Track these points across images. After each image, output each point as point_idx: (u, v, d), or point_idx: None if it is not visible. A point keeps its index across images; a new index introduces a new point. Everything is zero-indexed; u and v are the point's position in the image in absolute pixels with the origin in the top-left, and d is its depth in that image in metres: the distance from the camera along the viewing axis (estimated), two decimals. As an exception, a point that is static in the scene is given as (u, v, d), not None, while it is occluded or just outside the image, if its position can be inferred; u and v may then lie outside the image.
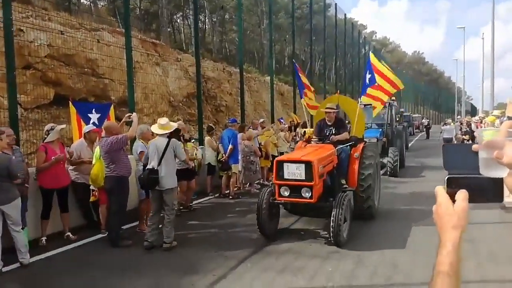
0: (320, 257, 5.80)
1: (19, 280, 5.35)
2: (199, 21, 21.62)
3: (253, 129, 11.44)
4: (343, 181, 7.35)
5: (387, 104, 14.24)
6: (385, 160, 13.19)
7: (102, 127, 7.01)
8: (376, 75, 8.81)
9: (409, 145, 23.09)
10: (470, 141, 14.82)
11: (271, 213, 6.63)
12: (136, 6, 23.93)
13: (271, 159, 11.02)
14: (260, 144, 11.18)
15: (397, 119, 16.52)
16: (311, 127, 10.93)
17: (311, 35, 23.32)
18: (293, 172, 6.22)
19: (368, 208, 7.51)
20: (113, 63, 11.36)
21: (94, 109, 8.13)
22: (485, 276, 5.08)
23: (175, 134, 8.48)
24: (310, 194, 6.12)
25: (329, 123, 7.87)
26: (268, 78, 19.86)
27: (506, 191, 1.15)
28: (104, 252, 6.30)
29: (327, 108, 7.97)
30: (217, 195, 10.35)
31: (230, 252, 5.98)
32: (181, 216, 8.32)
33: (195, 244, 6.63)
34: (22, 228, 5.72)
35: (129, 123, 7.03)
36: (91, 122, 7.80)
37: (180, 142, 7.38)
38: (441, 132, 22.66)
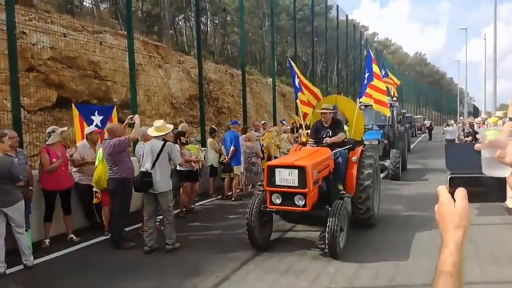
0: (322, 259, 5.79)
1: (22, 282, 5.36)
2: (201, 23, 21.62)
3: (255, 131, 11.46)
4: (341, 187, 6.91)
5: (388, 105, 14.18)
6: (386, 163, 12.92)
7: (105, 129, 7.04)
8: (375, 68, 8.72)
9: (411, 146, 23.04)
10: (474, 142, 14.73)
11: (262, 222, 6.21)
12: (138, 8, 23.95)
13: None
14: (262, 145, 11.19)
15: (399, 120, 16.25)
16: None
17: (313, 36, 23.32)
18: (286, 178, 5.79)
19: (368, 217, 7.09)
20: (116, 65, 11.39)
21: (96, 111, 8.17)
22: (487, 278, 5.06)
23: (180, 136, 8.53)
24: (303, 202, 5.72)
25: (325, 125, 7.42)
26: (270, 80, 19.88)
27: (509, 192, 1.15)
28: (107, 254, 6.32)
29: (323, 108, 7.51)
30: (220, 197, 10.36)
31: (232, 253, 5.97)
32: (184, 218, 8.34)
33: (198, 246, 6.64)
34: (26, 230, 5.74)
35: (131, 125, 7.05)
36: (94, 124, 7.83)
37: (176, 145, 7.37)
38: (443, 134, 22.58)
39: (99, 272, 5.58)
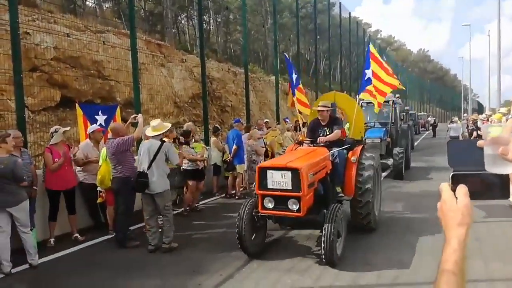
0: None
1: (28, 280, 5.40)
2: (204, 22, 21.64)
3: (258, 130, 11.45)
4: (339, 189, 6.52)
5: (390, 102, 13.97)
6: (389, 162, 12.62)
7: (109, 128, 7.06)
8: (373, 65, 8.28)
9: (415, 144, 22.90)
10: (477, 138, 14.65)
11: (254, 227, 5.81)
12: (141, 7, 23.99)
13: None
14: (265, 144, 11.19)
15: (402, 117, 15.77)
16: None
17: (316, 34, 23.26)
18: (278, 180, 5.39)
19: (368, 222, 6.70)
20: (119, 64, 11.43)
21: (100, 111, 8.19)
22: (491, 275, 5.05)
23: (186, 136, 8.55)
24: (297, 207, 5.32)
25: (322, 123, 6.97)
26: (273, 78, 19.85)
27: (512, 189, 1.15)
28: (112, 252, 6.35)
29: (319, 106, 7.04)
30: (223, 195, 10.37)
31: (236, 252, 5.98)
32: (188, 217, 8.36)
33: (202, 245, 6.65)
34: (31, 230, 5.77)
35: (135, 125, 7.06)
36: (97, 123, 7.85)
37: (173, 144, 7.34)
38: (447, 131, 22.49)
39: (104, 270, 5.60)
